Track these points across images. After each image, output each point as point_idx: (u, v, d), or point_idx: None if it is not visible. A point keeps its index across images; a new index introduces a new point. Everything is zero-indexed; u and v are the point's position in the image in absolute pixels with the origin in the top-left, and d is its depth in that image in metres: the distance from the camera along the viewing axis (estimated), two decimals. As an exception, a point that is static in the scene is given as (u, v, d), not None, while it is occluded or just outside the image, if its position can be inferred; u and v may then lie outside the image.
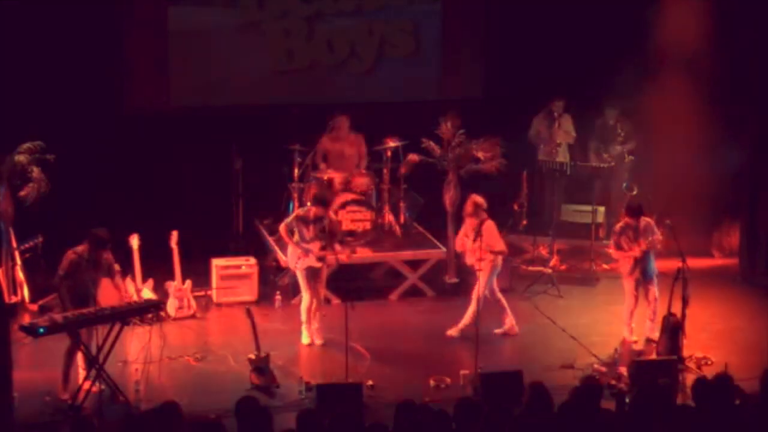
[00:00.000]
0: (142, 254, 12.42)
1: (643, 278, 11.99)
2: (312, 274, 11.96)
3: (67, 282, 10.50)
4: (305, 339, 12.04)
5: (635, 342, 12.08)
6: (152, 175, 14.25)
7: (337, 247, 12.05)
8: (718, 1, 14.32)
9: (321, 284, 12.11)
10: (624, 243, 11.97)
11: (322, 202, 12.00)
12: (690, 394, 8.30)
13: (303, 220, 11.95)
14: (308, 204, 12.72)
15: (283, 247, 12.56)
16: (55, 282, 10.62)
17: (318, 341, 12.03)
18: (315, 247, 11.87)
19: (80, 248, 10.60)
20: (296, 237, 11.96)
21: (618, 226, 12.14)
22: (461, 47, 15.57)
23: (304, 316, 12.03)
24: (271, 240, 13.79)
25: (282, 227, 12.09)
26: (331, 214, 12.38)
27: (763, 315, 12.86)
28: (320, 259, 11.92)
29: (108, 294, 10.76)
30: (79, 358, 10.67)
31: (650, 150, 14.96)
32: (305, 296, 12.03)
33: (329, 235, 11.96)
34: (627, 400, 8.73)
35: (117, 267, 10.93)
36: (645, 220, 12.00)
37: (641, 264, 11.93)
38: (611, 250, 12.30)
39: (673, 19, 14.40)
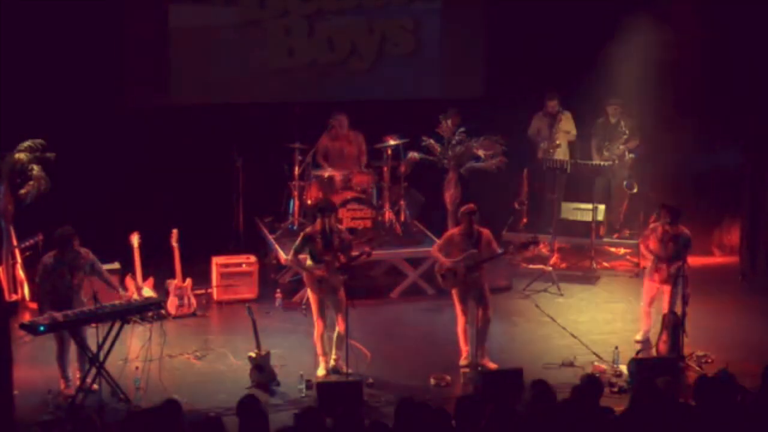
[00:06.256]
0: (143, 252, 12.45)
1: (661, 283, 11.70)
2: (323, 299, 11.07)
3: (45, 287, 10.48)
4: (321, 371, 11.09)
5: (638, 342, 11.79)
6: (152, 173, 14.23)
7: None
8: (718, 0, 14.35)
9: (339, 311, 10.99)
10: (651, 244, 11.75)
11: (326, 210, 11.03)
12: (691, 392, 8.31)
13: (311, 239, 11.03)
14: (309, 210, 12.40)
15: (285, 247, 12.43)
16: (35, 290, 10.62)
17: (345, 370, 10.95)
18: (328, 263, 10.93)
19: (52, 252, 10.57)
20: (309, 262, 11.08)
21: (650, 227, 11.90)
22: (462, 45, 15.55)
23: (318, 347, 11.20)
24: (271, 238, 13.80)
25: (291, 258, 11.33)
26: (340, 226, 11.72)
27: (763, 313, 12.86)
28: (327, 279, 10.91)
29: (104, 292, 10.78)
30: (73, 355, 10.66)
31: (651, 148, 14.95)
32: (317, 325, 11.19)
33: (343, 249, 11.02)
34: (627, 398, 8.73)
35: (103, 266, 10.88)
36: (683, 231, 11.66)
37: (662, 266, 11.66)
38: (641, 246, 12.17)
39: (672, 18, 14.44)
